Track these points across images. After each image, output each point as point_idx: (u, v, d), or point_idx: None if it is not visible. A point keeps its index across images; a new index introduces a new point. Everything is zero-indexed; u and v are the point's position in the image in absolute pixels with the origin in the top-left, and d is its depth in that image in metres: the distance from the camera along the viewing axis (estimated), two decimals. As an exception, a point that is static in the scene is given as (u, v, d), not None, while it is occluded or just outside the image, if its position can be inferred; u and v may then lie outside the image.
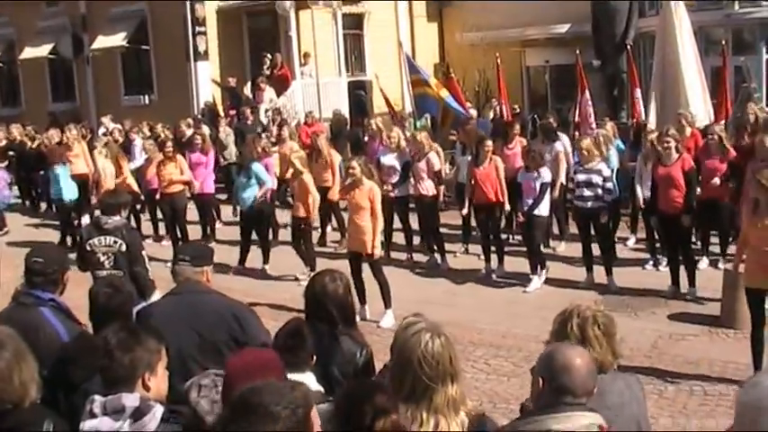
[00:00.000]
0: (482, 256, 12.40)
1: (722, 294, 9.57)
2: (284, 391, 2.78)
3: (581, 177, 11.13)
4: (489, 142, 12.21)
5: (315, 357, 4.37)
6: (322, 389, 4.23)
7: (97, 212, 8.78)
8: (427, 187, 12.55)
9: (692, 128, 13.00)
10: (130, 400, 3.31)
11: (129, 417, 3.28)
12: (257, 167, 12.97)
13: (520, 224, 11.95)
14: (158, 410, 3.34)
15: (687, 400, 7.69)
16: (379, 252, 10.49)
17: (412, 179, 12.76)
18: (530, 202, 11.36)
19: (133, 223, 13.68)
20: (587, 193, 10.98)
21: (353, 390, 3.30)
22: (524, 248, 12.23)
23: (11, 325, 4.48)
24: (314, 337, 4.48)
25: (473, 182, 12.04)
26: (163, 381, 3.51)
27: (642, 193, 11.53)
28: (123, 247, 7.85)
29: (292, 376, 3.67)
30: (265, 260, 12.97)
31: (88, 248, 7.88)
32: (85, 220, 16.15)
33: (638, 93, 15.15)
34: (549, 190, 11.44)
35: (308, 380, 4.22)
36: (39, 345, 4.40)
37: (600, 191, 10.90)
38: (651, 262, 11.95)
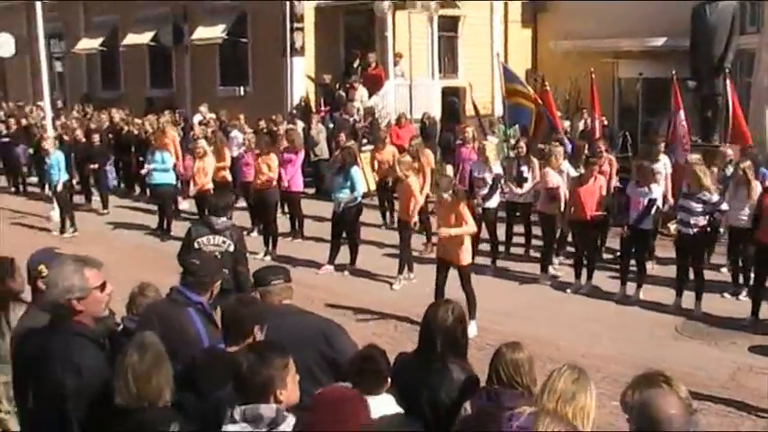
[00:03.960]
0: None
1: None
2: None
3: (689, 204, 10.93)
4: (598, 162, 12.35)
5: (390, 380, 4.57)
6: (402, 410, 4.47)
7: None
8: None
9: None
10: (267, 410, 3.69)
11: (266, 425, 3.67)
12: (356, 173, 13.26)
13: (624, 237, 11.89)
14: (291, 420, 3.71)
15: (764, 435, 7.54)
16: (467, 261, 10.45)
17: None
18: (634, 215, 11.44)
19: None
20: (692, 219, 10.86)
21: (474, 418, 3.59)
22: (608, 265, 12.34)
23: (160, 317, 5.18)
24: (423, 365, 4.74)
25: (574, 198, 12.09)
26: (293, 391, 3.84)
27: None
28: (231, 247, 8.13)
29: (369, 399, 3.93)
30: (352, 261, 13.26)
31: (196, 246, 8.05)
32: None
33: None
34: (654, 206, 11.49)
35: (385, 402, 4.47)
36: (180, 342, 4.92)
37: (703, 219, 10.84)
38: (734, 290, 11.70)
